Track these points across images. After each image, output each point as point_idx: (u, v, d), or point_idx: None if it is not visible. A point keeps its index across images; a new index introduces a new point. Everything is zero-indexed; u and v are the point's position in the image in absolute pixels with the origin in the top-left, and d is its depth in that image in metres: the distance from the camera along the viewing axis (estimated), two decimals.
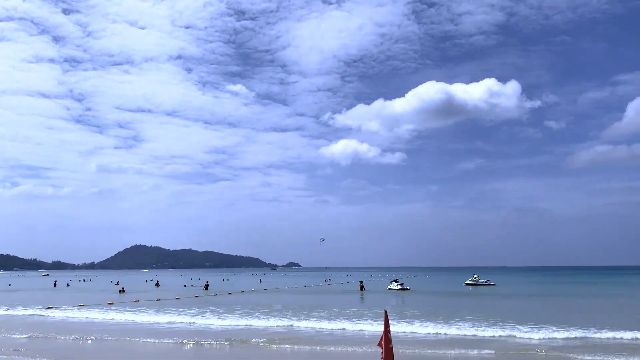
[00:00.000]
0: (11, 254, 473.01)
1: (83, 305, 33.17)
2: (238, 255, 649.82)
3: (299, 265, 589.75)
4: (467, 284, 68.29)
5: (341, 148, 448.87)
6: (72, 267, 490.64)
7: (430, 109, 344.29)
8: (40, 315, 27.76)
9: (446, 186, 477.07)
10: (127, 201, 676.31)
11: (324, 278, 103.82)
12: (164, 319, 25.20)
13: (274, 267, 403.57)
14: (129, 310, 29.59)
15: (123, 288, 54.40)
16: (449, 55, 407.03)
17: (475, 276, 72.49)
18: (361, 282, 53.30)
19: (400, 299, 38.38)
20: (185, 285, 69.45)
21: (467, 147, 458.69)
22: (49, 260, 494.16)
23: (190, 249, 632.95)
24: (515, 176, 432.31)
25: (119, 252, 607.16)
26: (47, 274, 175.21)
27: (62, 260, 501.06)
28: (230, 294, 46.60)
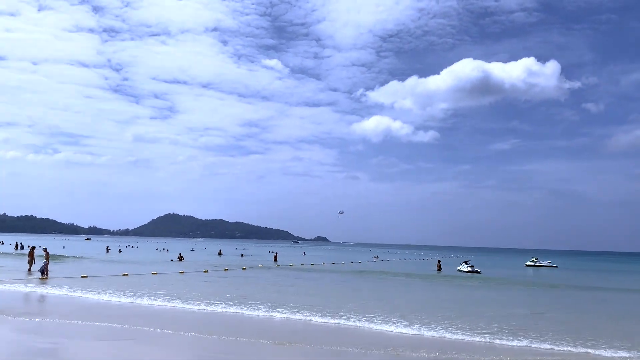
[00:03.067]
0: (50, 218, 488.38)
1: (183, 273, 33.64)
2: (267, 227, 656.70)
3: (326, 240, 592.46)
4: (527, 265, 66.99)
5: (373, 125, 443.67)
6: (108, 232, 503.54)
7: (465, 87, 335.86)
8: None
9: (479, 166, 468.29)
10: (161, 170, 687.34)
11: (363, 253, 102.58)
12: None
13: (296, 240, 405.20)
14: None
15: (180, 255, 54.10)
16: (488, 32, 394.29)
17: (534, 259, 70.62)
18: (439, 261, 50.38)
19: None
20: (242, 255, 70.21)
21: (502, 127, 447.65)
22: (86, 226, 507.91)
23: (221, 219, 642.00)
24: (550, 158, 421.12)
25: (152, 220, 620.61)
26: (89, 239, 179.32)
27: (97, 226, 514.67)
28: (291, 265, 45.62)
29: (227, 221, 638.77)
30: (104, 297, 18.83)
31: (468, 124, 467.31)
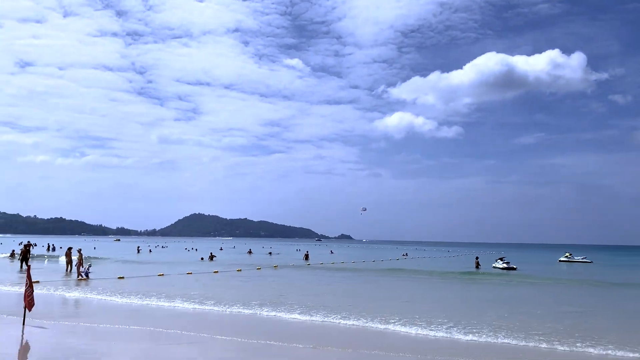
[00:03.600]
0: (79, 220, 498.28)
1: (217, 272, 33.59)
2: (291, 225, 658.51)
3: (350, 238, 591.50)
4: (561, 261, 65.52)
5: (395, 121, 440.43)
6: (135, 233, 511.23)
7: (489, 81, 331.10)
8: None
9: (503, 161, 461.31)
10: (186, 171, 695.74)
11: (390, 250, 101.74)
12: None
13: (319, 239, 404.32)
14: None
15: (212, 254, 54.25)
16: (511, 25, 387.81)
17: (567, 254, 68.91)
18: (477, 258, 49.34)
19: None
20: (270, 254, 70.20)
21: (527, 121, 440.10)
22: (114, 227, 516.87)
23: (246, 218, 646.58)
24: (577, 151, 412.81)
25: (178, 220, 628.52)
26: (119, 240, 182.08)
27: (125, 227, 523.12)
28: (321, 264, 45.25)
29: (252, 220, 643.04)
30: (148, 302, 18.66)
31: (492, 118, 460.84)
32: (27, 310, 13.06)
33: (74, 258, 29.37)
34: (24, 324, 12.77)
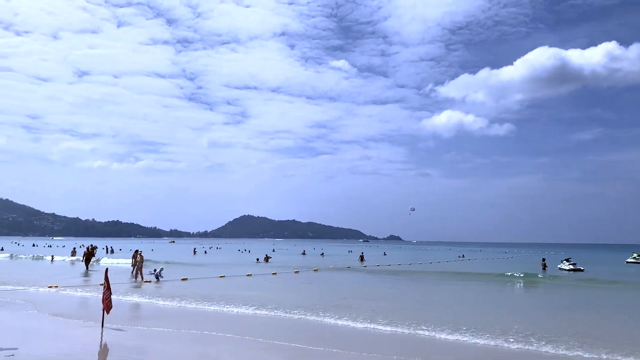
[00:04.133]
0: (134, 222, 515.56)
1: (275, 274, 32.91)
2: (339, 227, 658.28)
3: (399, 239, 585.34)
4: (628, 262, 61.94)
5: (444, 120, 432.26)
6: (188, 235, 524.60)
7: (541, 76, 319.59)
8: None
9: (559, 158, 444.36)
10: (235, 174, 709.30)
11: (444, 252, 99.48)
12: None
13: (366, 240, 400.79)
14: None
15: (267, 255, 54.49)
16: (564, 17, 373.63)
17: (636, 255, 65.03)
18: (544, 260, 47.27)
19: None
20: (322, 255, 69.78)
21: (583, 116, 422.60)
22: (167, 229, 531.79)
23: (294, 219, 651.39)
24: (637, 146, 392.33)
25: (229, 222, 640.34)
26: (173, 241, 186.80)
27: (178, 229, 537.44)
28: (377, 265, 44.49)
29: (300, 221, 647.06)
30: (217, 307, 18.58)
31: (546, 114, 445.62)
32: (105, 313, 13.15)
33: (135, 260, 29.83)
34: (102, 326, 12.87)
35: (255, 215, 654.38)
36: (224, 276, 30.52)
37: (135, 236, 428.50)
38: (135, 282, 26.40)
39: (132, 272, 28.38)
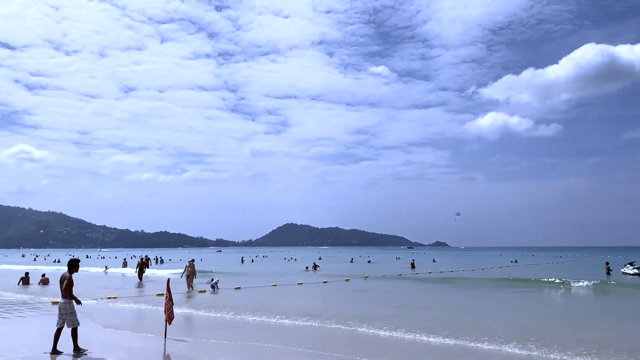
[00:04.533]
0: (182, 233, 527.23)
1: (326, 282, 32.81)
2: (383, 233, 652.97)
3: (446, 245, 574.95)
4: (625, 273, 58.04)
5: (489, 122, 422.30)
6: (233, 244, 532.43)
7: (589, 74, 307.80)
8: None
9: (610, 158, 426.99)
10: (278, 182, 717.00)
11: (496, 257, 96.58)
12: None
13: (410, 247, 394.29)
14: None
15: (315, 264, 54.17)
16: (612, 12, 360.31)
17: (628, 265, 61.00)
18: (607, 263, 44.87)
19: None
20: (369, 262, 68.83)
21: (635, 114, 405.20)
22: (213, 238, 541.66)
23: (337, 227, 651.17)
24: None
25: (273, 230, 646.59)
26: (220, 251, 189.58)
27: (224, 238, 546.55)
28: (430, 273, 43.33)
29: (343, 229, 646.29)
30: (277, 319, 18.27)
31: (595, 113, 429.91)
32: (167, 324, 13.02)
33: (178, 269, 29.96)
34: (165, 337, 12.73)
35: (299, 223, 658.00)
36: (275, 285, 30.34)
37: (182, 246, 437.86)
38: (189, 292, 26.45)
39: (188, 284, 28.47)
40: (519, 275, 40.44)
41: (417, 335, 13.50)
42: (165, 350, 11.51)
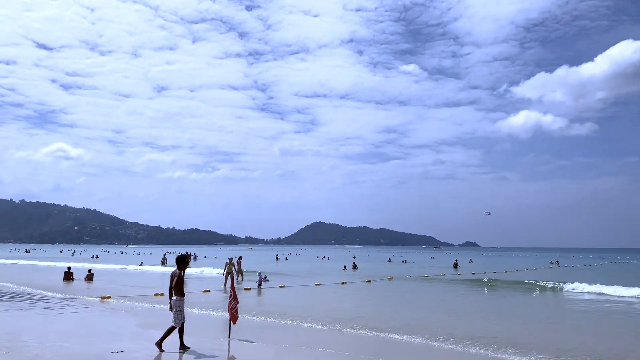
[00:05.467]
0: (211, 230, 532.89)
1: (369, 281, 31.67)
2: (412, 233, 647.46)
3: (476, 245, 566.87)
4: None
5: (521, 120, 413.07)
6: (262, 242, 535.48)
7: (626, 72, 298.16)
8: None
9: None
10: (307, 181, 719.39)
11: (532, 259, 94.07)
12: None
13: (438, 247, 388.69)
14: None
15: (354, 263, 53.39)
16: None
17: None
18: None
19: None
20: (404, 262, 67.49)
21: None
22: (242, 236, 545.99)
23: (365, 226, 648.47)
24: None
25: (301, 229, 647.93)
26: (251, 248, 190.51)
27: (253, 236, 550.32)
28: (473, 274, 41.99)
29: (371, 228, 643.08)
30: (335, 326, 17.54)
31: (632, 111, 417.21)
32: (232, 323, 12.49)
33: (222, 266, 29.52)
34: (229, 337, 12.21)
35: (327, 222, 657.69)
36: (320, 284, 29.70)
37: (213, 243, 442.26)
38: (241, 289, 25.94)
39: (237, 279, 28.10)
40: (569, 278, 38.74)
41: (487, 350, 12.10)
42: (229, 352, 10.96)
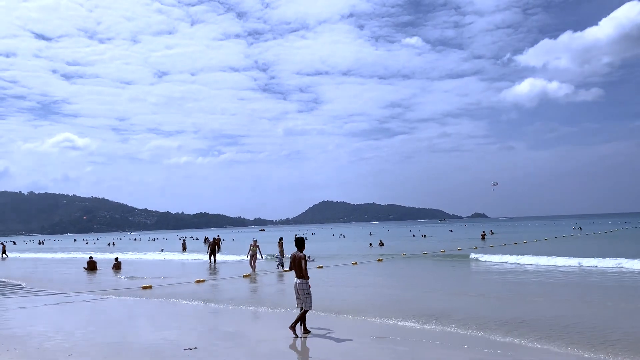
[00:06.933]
0: (220, 213, 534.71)
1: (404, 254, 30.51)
2: (420, 207, 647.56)
3: (484, 216, 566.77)
4: None
5: (526, 89, 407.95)
6: (271, 223, 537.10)
7: (632, 34, 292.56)
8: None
9: None
10: (312, 160, 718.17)
11: (551, 227, 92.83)
12: None
13: (443, 219, 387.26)
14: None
15: (381, 241, 52.29)
16: None
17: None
18: None
19: None
20: (424, 236, 66.47)
21: None
22: (251, 218, 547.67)
23: (373, 202, 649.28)
24: None
25: (309, 208, 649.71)
26: (263, 230, 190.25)
27: (261, 217, 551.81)
28: (504, 245, 40.78)
29: (379, 204, 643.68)
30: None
31: (638, 75, 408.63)
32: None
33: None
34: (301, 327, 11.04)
35: (335, 200, 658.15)
36: (356, 263, 28.56)
37: (222, 226, 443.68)
38: (254, 273, 24.73)
39: (250, 263, 26.93)
40: (608, 246, 37.41)
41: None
42: (304, 343, 9.80)
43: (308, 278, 10.18)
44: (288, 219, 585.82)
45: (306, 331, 10.24)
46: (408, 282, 19.84)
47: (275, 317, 12.60)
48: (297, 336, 9.93)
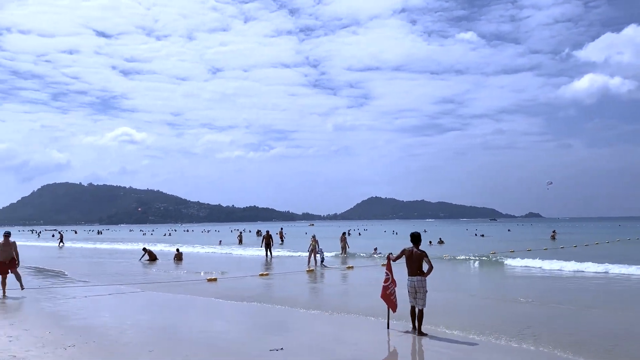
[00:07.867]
0: (269, 207, 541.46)
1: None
2: (472, 205, 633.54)
3: (539, 216, 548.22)
4: None
5: (585, 85, 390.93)
6: (319, 218, 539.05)
7: None
8: None
9: None
10: (361, 156, 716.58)
11: (616, 228, 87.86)
12: None
13: (493, 218, 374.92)
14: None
15: (440, 238, 50.73)
16: None
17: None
18: None
19: None
20: (482, 235, 64.14)
21: None
22: (300, 212, 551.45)
23: (422, 200, 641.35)
24: None
25: (357, 204, 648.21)
26: (312, 224, 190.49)
27: (310, 212, 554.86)
28: (575, 247, 38.45)
29: (429, 202, 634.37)
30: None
31: None
32: (390, 311, 10.46)
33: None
34: (388, 327, 10.18)
35: (383, 196, 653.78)
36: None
37: (271, 220, 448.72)
38: (309, 268, 23.89)
39: (309, 258, 26.14)
40: None
41: None
42: (389, 344, 8.90)
43: (425, 275, 9.79)
44: (336, 214, 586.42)
45: (422, 333, 9.67)
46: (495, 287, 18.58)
47: (364, 320, 11.76)
48: (425, 335, 9.53)
